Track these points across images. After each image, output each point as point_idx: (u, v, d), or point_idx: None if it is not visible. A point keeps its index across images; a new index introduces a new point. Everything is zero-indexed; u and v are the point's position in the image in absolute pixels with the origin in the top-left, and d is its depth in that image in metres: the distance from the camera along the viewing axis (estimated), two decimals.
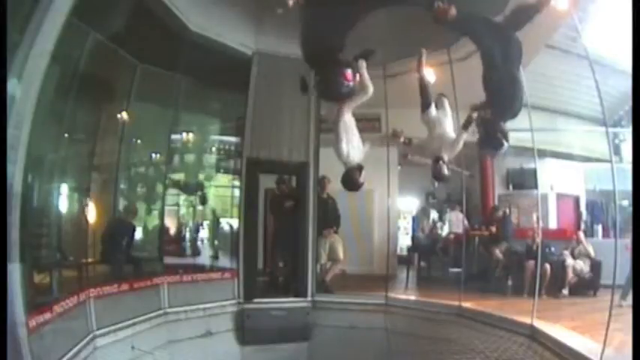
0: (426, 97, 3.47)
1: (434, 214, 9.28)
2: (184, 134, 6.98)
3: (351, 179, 3.24)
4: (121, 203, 5.80)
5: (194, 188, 7.35)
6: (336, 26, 2.51)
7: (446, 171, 3.46)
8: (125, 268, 5.36)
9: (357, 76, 2.50)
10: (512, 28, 2.71)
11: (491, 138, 2.79)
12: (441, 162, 3.45)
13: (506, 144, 2.77)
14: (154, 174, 6.72)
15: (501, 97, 2.64)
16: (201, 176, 7.65)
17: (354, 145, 3.23)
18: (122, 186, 5.87)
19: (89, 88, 4.56)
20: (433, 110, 3.50)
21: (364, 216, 8.19)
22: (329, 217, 6.72)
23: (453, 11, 2.53)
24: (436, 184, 9.22)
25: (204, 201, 7.35)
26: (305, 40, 2.70)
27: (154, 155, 6.74)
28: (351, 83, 2.38)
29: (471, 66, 3.41)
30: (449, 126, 3.61)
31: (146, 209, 6.72)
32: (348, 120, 3.09)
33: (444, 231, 8.52)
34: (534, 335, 4.44)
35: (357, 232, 8.06)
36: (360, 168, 3.24)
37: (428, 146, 3.64)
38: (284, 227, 6.69)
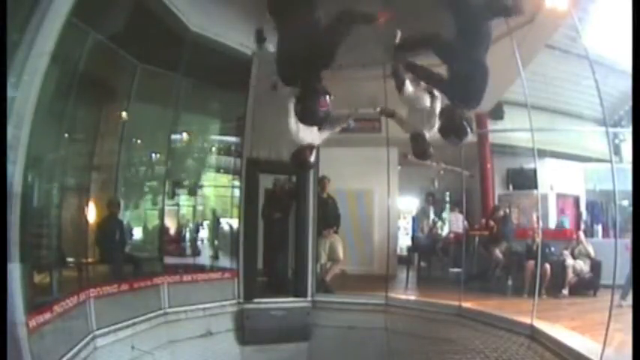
0: (398, 76, 3.29)
1: (433, 214, 9.28)
2: (184, 134, 6.98)
3: (299, 157, 3.21)
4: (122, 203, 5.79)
5: (193, 188, 7.35)
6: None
7: (428, 147, 3.32)
8: (125, 268, 5.36)
9: (329, 101, 2.55)
10: (477, 11, 2.56)
11: (455, 126, 2.61)
12: (420, 137, 3.31)
13: (470, 132, 2.60)
14: (153, 174, 6.72)
15: (467, 84, 2.52)
16: (200, 176, 7.65)
17: (304, 127, 3.19)
18: (122, 186, 5.87)
19: (89, 88, 4.56)
20: (409, 87, 3.31)
21: (364, 216, 8.20)
22: (329, 217, 6.72)
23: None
24: (436, 183, 9.23)
25: (193, 192, 7.33)
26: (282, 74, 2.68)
27: (154, 155, 6.74)
28: (326, 108, 2.47)
29: None
30: (428, 101, 3.41)
31: (139, 207, 6.73)
32: None
33: (444, 231, 8.53)
34: (534, 335, 4.44)
35: (357, 232, 8.07)
36: (310, 147, 3.18)
37: (408, 120, 3.54)
38: (276, 229, 6.66)
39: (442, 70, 2.70)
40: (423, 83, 3.39)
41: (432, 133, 3.32)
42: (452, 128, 2.62)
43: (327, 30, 2.48)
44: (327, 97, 2.48)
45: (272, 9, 2.66)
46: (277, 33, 2.62)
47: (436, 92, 3.29)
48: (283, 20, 2.59)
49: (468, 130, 2.58)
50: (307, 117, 2.57)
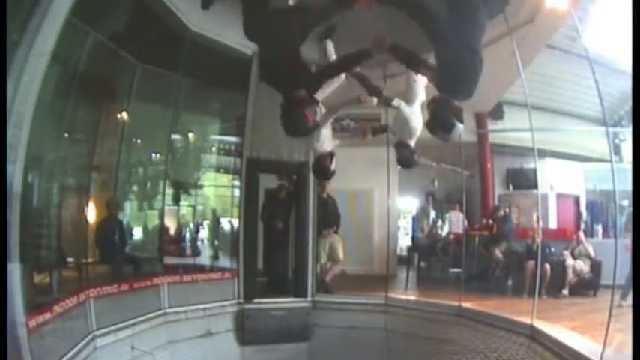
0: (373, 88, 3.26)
1: (433, 214, 9.29)
2: (184, 134, 6.98)
3: (321, 167, 3.14)
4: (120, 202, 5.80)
5: (192, 188, 7.36)
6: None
7: (411, 155, 3.22)
8: (125, 268, 5.36)
9: (318, 111, 2.42)
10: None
11: (442, 119, 2.29)
12: (402, 147, 3.23)
13: (460, 125, 2.28)
14: (153, 174, 6.72)
15: (457, 72, 2.25)
16: (200, 176, 7.66)
17: (326, 134, 3.13)
18: (122, 186, 5.87)
19: (89, 88, 4.55)
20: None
21: (364, 216, 8.19)
22: (329, 217, 6.72)
23: None
24: (436, 183, 9.23)
25: (191, 194, 7.33)
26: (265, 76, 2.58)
27: (154, 155, 6.74)
28: (313, 119, 2.35)
29: None
30: (416, 110, 3.34)
31: (139, 207, 6.72)
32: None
33: (444, 231, 8.53)
34: (534, 335, 4.44)
35: (357, 232, 8.06)
36: (331, 155, 3.11)
37: (396, 127, 3.44)
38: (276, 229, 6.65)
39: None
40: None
41: (413, 140, 3.23)
42: (437, 121, 2.31)
43: (291, 30, 2.35)
44: (314, 107, 2.33)
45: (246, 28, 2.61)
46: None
47: (417, 93, 3.23)
48: (258, 34, 2.54)
49: (456, 122, 2.26)
50: (291, 129, 2.41)
